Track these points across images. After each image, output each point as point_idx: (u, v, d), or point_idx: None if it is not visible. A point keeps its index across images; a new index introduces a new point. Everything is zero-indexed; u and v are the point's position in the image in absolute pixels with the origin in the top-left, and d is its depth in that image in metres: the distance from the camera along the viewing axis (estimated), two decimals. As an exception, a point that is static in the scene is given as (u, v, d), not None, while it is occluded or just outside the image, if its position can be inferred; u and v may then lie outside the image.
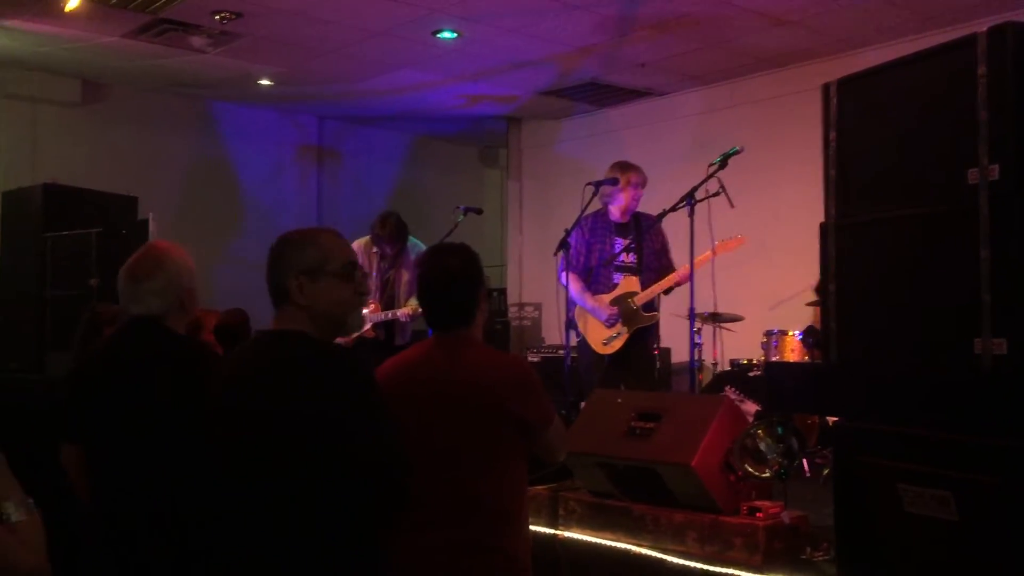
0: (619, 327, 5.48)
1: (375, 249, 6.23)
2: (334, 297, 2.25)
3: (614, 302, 5.51)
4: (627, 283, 5.55)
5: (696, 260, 5.12)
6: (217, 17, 6.63)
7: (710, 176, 4.99)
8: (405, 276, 6.33)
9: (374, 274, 6.28)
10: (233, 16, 6.62)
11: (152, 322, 2.77)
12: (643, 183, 5.57)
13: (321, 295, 2.23)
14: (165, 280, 2.79)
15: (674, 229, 5.56)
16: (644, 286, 5.53)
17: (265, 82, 8.42)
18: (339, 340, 6.44)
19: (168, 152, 8.92)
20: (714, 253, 5.27)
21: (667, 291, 5.59)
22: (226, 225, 9.05)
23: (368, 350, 5.90)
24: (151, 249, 2.91)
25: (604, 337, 5.52)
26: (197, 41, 7.18)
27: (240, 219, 9.25)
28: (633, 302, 5.49)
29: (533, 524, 3.73)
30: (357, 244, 6.20)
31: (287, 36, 7.06)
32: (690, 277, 5.14)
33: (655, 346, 5.76)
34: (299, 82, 8.41)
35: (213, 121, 9.31)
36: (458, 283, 2.80)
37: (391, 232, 6.17)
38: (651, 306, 5.56)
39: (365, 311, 6.11)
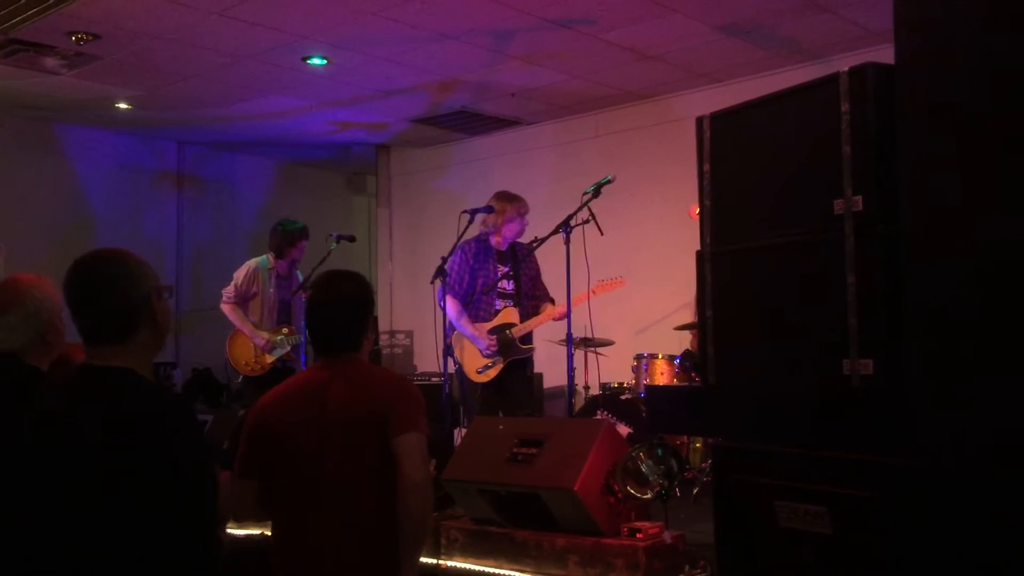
0: (495, 357, 5.52)
1: (271, 266, 6.39)
2: None
3: (492, 332, 5.54)
4: (506, 314, 5.60)
5: (574, 299, 5.19)
6: (73, 38, 6.36)
7: (584, 204, 5.09)
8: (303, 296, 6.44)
9: (271, 291, 6.30)
10: (91, 37, 6.36)
11: (7, 358, 2.66)
12: (527, 211, 5.69)
13: None
14: (22, 314, 2.70)
15: (549, 257, 5.64)
16: (522, 315, 5.60)
17: (123, 105, 8.11)
18: (257, 365, 6.52)
19: (17, 179, 8.45)
20: (593, 293, 5.40)
21: (542, 321, 5.68)
22: (81, 255, 8.63)
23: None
24: (9, 282, 2.83)
25: (479, 366, 5.54)
26: (51, 62, 6.86)
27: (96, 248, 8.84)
28: (511, 333, 5.53)
29: (416, 555, 3.69)
30: (252, 263, 6.40)
31: (148, 59, 6.82)
32: (567, 312, 5.19)
33: (530, 373, 5.82)
34: (159, 106, 8.14)
35: (66, 145, 8.88)
36: (350, 309, 2.79)
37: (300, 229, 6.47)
38: (527, 338, 5.62)
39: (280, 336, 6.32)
